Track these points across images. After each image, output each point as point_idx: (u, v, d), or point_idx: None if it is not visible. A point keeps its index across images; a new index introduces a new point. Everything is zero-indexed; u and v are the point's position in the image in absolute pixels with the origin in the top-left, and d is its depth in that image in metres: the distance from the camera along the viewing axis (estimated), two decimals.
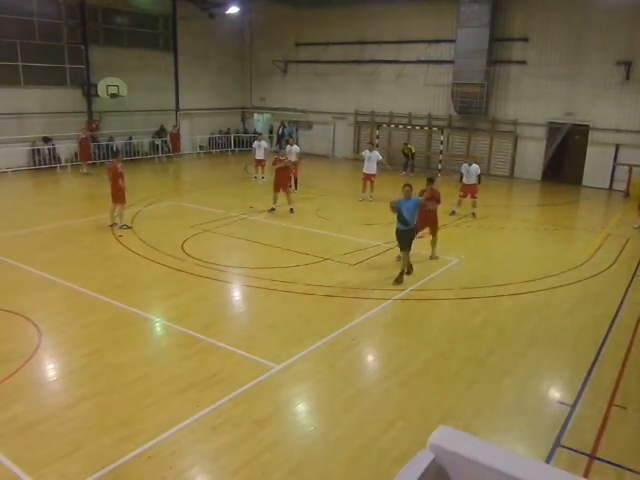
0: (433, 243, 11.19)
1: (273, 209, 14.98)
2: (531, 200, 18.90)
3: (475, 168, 14.69)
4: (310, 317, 8.33)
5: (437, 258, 11.12)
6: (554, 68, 20.62)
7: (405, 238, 9.77)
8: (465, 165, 14.85)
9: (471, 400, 6.22)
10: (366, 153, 16.86)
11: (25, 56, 20.20)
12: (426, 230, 11.12)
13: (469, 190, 14.72)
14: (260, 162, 19.40)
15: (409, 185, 9.70)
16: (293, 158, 16.50)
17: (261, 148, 19.25)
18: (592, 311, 8.91)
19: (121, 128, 23.36)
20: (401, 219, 9.63)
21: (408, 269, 10.03)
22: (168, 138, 24.82)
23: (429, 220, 11.02)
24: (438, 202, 11.11)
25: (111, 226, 12.76)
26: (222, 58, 27.78)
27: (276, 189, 14.97)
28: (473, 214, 14.89)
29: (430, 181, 11.21)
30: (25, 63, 20.26)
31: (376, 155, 16.69)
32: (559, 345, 7.73)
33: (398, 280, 9.68)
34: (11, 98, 20.03)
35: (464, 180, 14.78)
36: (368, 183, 16.73)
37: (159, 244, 11.55)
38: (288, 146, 16.96)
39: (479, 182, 14.80)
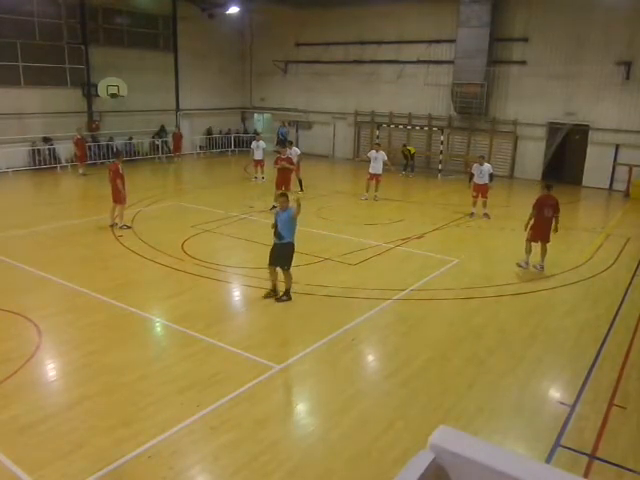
0: (543, 253, 10.66)
1: (275, 207, 14.99)
2: (531, 200, 18.58)
3: (488, 167, 14.76)
4: (310, 317, 8.33)
5: (543, 268, 10.65)
6: (554, 68, 20.61)
7: (279, 253, 8.62)
8: (477, 165, 14.84)
9: (471, 400, 6.22)
10: (372, 153, 17.05)
11: (25, 56, 20.19)
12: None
13: (481, 190, 14.72)
14: (259, 162, 19.42)
15: (285, 195, 8.70)
16: (294, 160, 16.54)
17: (259, 148, 19.27)
18: (592, 311, 8.91)
19: (121, 128, 23.36)
20: (276, 232, 8.59)
21: (277, 293, 8.78)
22: (170, 138, 24.84)
23: (547, 229, 10.49)
24: (555, 210, 10.48)
25: (111, 226, 12.76)
26: (222, 58, 27.79)
27: (278, 187, 15.01)
28: (486, 214, 14.89)
29: (548, 188, 10.70)
30: (25, 63, 20.25)
31: (382, 155, 16.87)
32: (559, 345, 7.73)
33: (274, 296, 8.77)
34: (11, 98, 20.03)
35: (476, 180, 14.77)
36: (373, 183, 16.84)
37: (159, 244, 11.54)
38: (288, 149, 17.01)
39: (491, 181, 14.83)
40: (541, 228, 10.55)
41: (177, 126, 25.26)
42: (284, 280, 8.77)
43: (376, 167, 16.74)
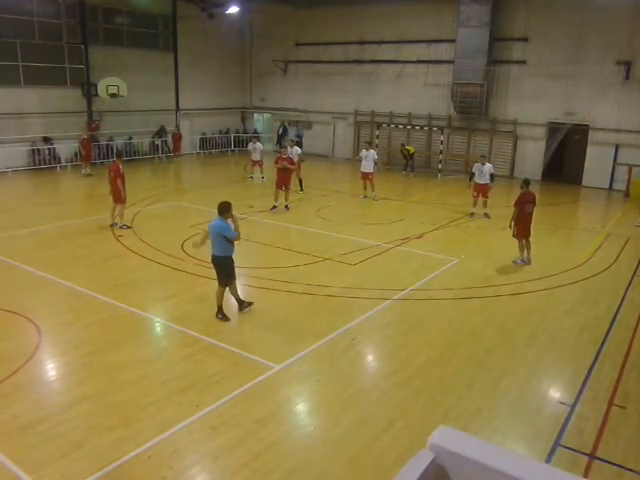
0: (528, 247, 11.12)
1: (275, 207, 15.02)
2: None
3: (489, 167, 14.82)
4: (310, 317, 8.33)
5: (530, 261, 11.09)
6: (554, 68, 20.61)
7: (218, 268, 8.01)
8: (478, 165, 14.91)
9: (471, 400, 6.22)
10: (363, 152, 17.19)
11: (25, 56, 20.17)
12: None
13: (482, 189, 14.77)
14: (257, 162, 19.51)
15: (227, 203, 7.86)
16: (295, 160, 16.56)
17: (257, 150, 19.36)
18: (592, 311, 8.91)
19: (121, 128, 23.35)
20: (213, 244, 8.01)
21: (240, 305, 8.23)
22: (170, 138, 24.86)
23: (528, 223, 11.00)
24: (534, 204, 11.10)
25: (111, 226, 12.76)
26: (222, 58, 27.78)
27: (278, 187, 15.04)
28: (486, 214, 14.90)
29: (527, 184, 11.15)
30: (25, 63, 20.23)
31: (372, 154, 16.90)
32: (559, 345, 7.73)
33: (225, 317, 8.09)
34: (11, 98, 20.02)
35: (476, 180, 14.81)
36: (367, 182, 16.87)
37: (159, 244, 11.54)
38: (289, 148, 17.04)
39: (492, 181, 14.86)
40: (524, 224, 11.00)
41: (177, 126, 25.30)
42: (231, 293, 8.16)
43: (367, 166, 16.86)
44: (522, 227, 10.98)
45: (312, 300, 8.94)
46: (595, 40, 19.64)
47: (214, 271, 8.22)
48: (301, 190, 17.55)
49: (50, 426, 5.46)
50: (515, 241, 11.22)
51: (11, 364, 6.59)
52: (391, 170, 22.62)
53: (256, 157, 19.42)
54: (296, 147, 17.92)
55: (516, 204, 11.01)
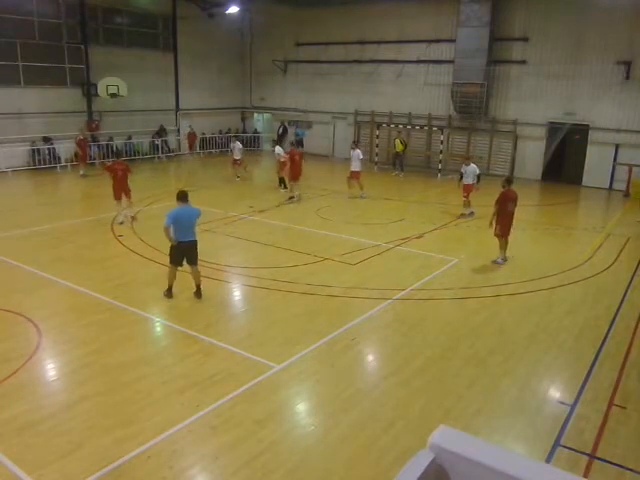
0: (505, 245, 11.08)
1: (292, 198, 16.36)
2: (531, 200, 18.86)
3: (472, 168, 14.78)
4: (310, 317, 8.33)
5: (505, 260, 11.10)
6: (554, 68, 20.61)
7: (195, 251, 8.75)
8: (463, 165, 14.97)
9: (471, 400, 6.22)
10: (351, 152, 17.39)
11: (25, 56, 20.19)
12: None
13: (465, 190, 14.81)
14: (237, 161, 20.03)
15: (184, 192, 8.68)
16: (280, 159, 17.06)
17: (235, 149, 19.93)
18: (592, 311, 8.91)
19: (121, 128, 23.36)
20: (188, 231, 8.56)
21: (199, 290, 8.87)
22: (172, 138, 25.18)
23: (510, 221, 10.95)
24: (516, 204, 11.01)
25: (132, 218, 13.20)
26: (222, 58, 27.79)
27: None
28: (463, 214, 14.94)
29: (508, 182, 11.02)
30: (25, 63, 20.25)
31: (357, 153, 17.06)
32: (559, 345, 7.73)
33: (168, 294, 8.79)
34: (11, 98, 20.03)
35: (463, 180, 14.86)
36: (354, 181, 17.02)
37: (159, 244, 11.51)
38: (277, 147, 17.59)
39: (478, 182, 14.83)
40: (506, 222, 10.92)
41: (190, 126, 25.80)
42: (198, 276, 8.84)
43: (355, 165, 17.08)
44: (504, 226, 10.89)
45: (312, 300, 8.94)
46: (595, 40, 19.63)
47: (183, 257, 8.75)
48: (285, 188, 17.72)
49: (50, 426, 5.46)
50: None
51: (11, 364, 6.60)
52: (390, 170, 22.61)
53: (237, 156, 19.80)
54: (277, 147, 18.33)
55: (497, 203, 10.87)
